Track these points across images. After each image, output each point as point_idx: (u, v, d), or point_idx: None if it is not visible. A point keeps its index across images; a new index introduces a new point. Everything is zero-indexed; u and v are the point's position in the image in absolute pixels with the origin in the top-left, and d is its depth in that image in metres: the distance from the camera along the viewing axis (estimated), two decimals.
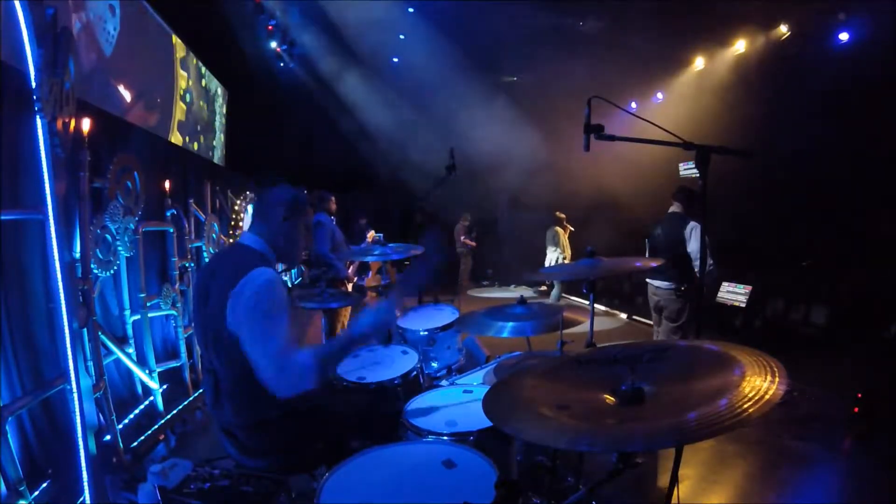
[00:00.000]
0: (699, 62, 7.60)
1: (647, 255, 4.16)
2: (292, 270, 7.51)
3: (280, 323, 1.59)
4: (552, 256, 8.61)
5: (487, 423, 1.28)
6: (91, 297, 2.55)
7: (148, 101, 4.20)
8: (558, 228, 8.65)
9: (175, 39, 4.84)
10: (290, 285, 8.00)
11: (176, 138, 4.80)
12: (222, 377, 1.68)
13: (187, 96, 5.17)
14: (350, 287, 5.21)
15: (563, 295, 8.81)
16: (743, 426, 0.86)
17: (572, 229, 8.76)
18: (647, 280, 4.15)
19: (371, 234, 6.65)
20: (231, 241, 4.05)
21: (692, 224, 3.79)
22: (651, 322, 6.85)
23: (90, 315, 2.52)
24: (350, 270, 5.30)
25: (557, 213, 8.76)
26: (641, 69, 7.57)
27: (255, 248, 1.75)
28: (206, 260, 4.49)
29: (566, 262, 8.22)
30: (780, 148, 5.64)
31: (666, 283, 3.95)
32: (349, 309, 4.73)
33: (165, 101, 4.62)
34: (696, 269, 3.74)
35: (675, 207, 4.01)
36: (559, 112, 7.14)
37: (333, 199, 5.12)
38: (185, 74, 5.09)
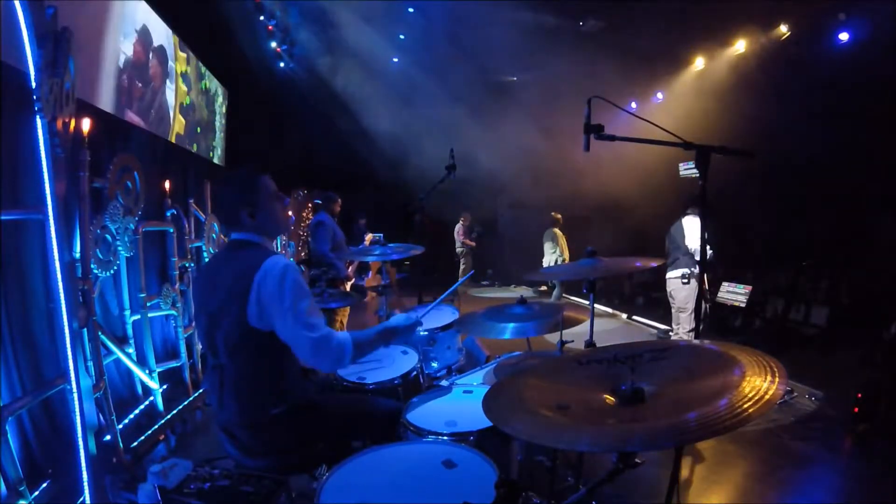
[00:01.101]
0: (699, 62, 7.60)
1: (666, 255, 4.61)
2: None
3: (308, 304, 1.65)
4: (550, 258, 8.52)
5: (487, 423, 1.28)
6: (91, 297, 2.55)
7: (146, 118, 4.20)
8: (556, 230, 8.54)
9: (178, 52, 4.84)
10: None
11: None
12: (229, 374, 1.69)
13: (187, 99, 5.17)
14: (349, 287, 5.21)
15: (564, 295, 8.80)
16: (743, 426, 0.86)
17: (561, 235, 8.58)
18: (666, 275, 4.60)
19: (369, 237, 6.66)
20: (236, 243, 4.03)
21: (689, 218, 4.19)
22: (651, 321, 6.93)
23: (90, 315, 2.52)
24: (350, 270, 5.30)
25: (554, 214, 8.64)
26: (641, 69, 7.57)
27: (251, 240, 1.75)
28: (206, 260, 4.49)
29: (566, 262, 8.15)
30: (780, 148, 5.64)
31: (674, 272, 4.37)
32: (348, 309, 4.73)
33: (164, 115, 4.62)
34: (697, 258, 4.10)
35: (689, 213, 4.37)
36: (559, 112, 7.15)
37: (339, 201, 5.12)
38: (185, 89, 5.08)
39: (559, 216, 8.63)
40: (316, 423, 1.79)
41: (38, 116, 2.15)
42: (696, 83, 7.63)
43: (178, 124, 4.87)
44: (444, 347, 2.71)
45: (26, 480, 2.13)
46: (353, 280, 5.61)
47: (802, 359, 4.66)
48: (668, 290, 4.55)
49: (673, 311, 4.68)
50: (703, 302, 4.30)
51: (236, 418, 1.70)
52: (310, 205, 8.53)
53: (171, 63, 4.69)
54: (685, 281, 4.25)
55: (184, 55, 5.04)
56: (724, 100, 6.68)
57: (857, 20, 5.55)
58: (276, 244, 5.80)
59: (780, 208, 6.50)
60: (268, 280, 1.60)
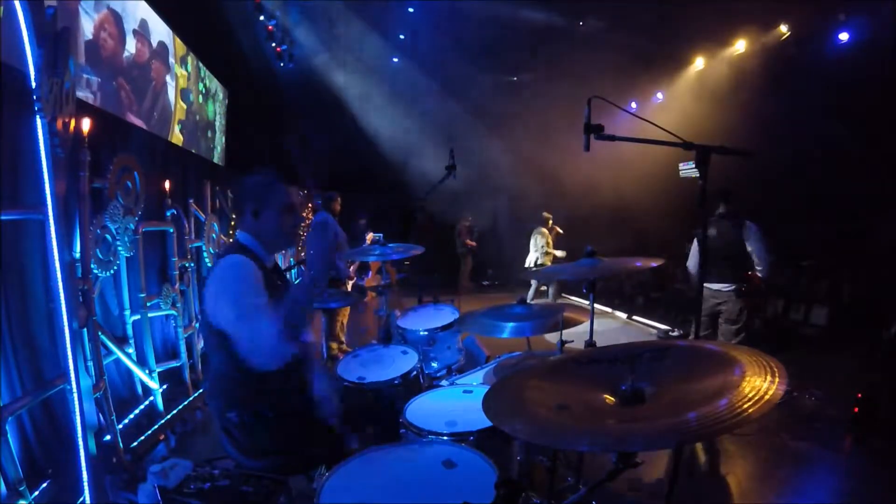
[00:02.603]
0: (699, 62, 7.61)
1: (696, 257, 4.20)
2: (292, 271, 7.52)
3: (246, 300, 1.56)
4: (531, 258, 8.12)
5: (487, 423, 1.28)
6: (91, 297, 2.55)
7: (148, 120, 4.20)
8: (544, 229, 8.11)
9: (178, 69, 4.84)
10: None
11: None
12: (213, 370, 1.72)
13: (183, 107, 5.16)
14: (350, 287, 5.21)
15: (563, 295, 8.75)
16: (743, 426, 0.86)
17: (560, 231, 8.24)
18: (705, 285, 4.17)
19: (370, 237, 6.66)
20: (230, 241, 4.06)
21: (749, 225, 3.87)
22: (651, 321, 6.92)
23: (90, 315, 2.52)
24: (351, 270, 5.31)
25: (544, 214, 8.19)
26: (641, 69, 7.57)
27: (242, 242, 1.76)
28: (206, 260, 4.50)
29: (542, 265, 7.79)
30: (780, 148, 5.64)
31: (726, 284, 3.95)
32: (348, 309, 4.73)
33: (166, 119, 4.62)
34: (759, 270, 3.83)
35: (720, 209, 4.06)
36: (559, 112, 7.15)
37: (339, 199, 5.13)
38: (184, 106, 5.06)
39: (548, 215, 8.16)
40: (316, 423, 1.79)
41: (38, 116, 2.15)
42: (695, 83, 7.64)
43: (175, 139, 4.85)
44: (444, 347, 2.71)
45: (26, 480, 2.13)
46: (354, 280, 5.62)
47: (802, 359, 4.65)
48: (715, 301, 3.97)
49: (703, 318, 4.12)
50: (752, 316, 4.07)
51: (228, 414, 1.70)
52: (310, 205, 8.53)
53: (171, 60, 4.68)
54: (740, 295, 3.87)
55: (184, 72, 5.04)
56: (724, 100, 6.68)
57: (857, 20, 5.55)
58: None
59: (780, 208, 6.50)
60: (216, 273, 1.62)
